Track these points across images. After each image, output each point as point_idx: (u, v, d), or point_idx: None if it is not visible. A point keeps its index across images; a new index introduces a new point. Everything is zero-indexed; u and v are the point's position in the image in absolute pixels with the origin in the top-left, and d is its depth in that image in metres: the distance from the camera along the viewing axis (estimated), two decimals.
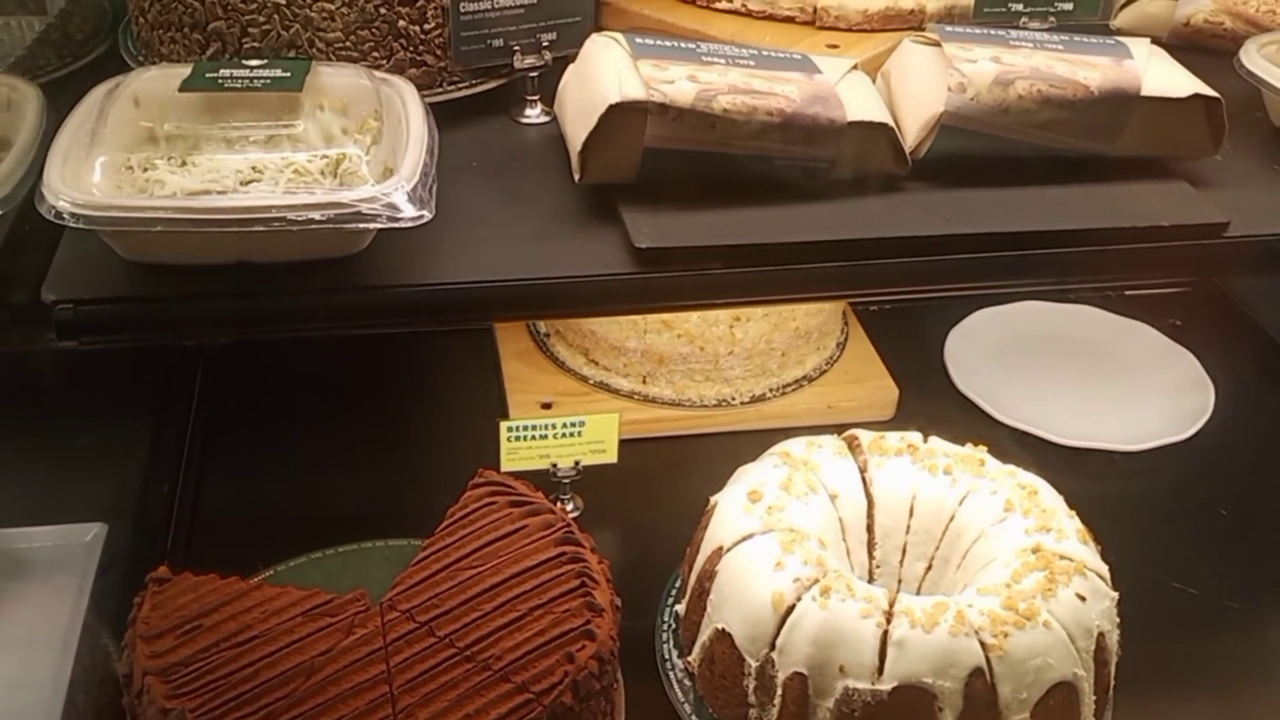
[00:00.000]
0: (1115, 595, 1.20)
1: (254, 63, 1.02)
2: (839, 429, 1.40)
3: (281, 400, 1.66)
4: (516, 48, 1.16)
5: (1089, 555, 1.21)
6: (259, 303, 0.95)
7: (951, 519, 1.28)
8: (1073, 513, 1.26)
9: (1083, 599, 1.15)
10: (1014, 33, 1.14)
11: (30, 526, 1.36)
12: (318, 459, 1.56)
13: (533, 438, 1.36)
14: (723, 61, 1.05)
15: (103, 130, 0.95)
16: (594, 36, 1.10)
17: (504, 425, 1.35)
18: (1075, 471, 1.51)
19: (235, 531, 1.45)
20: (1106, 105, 1.08)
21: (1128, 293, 1.89)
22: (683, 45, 1.07)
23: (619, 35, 1.08)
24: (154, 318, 0.94)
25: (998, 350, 1.78)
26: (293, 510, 1.49)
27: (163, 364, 1.65)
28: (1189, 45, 1.36)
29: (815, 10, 1.29)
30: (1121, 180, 1.10)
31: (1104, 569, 1.21)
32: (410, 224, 0.90)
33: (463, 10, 1.11)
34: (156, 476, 1.49)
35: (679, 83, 1.01)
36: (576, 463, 1.40)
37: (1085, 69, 1.08)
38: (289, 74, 1.01)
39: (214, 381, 1.67)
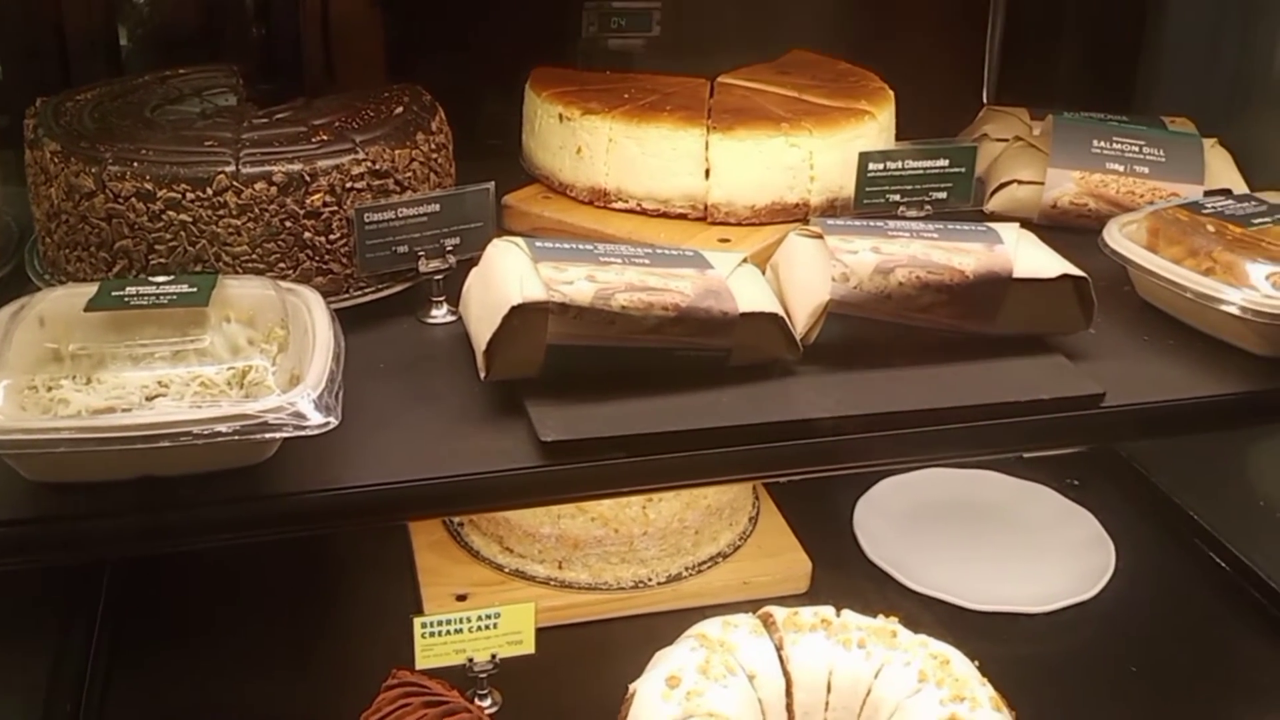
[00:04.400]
0: None
1: (160, 279, 1.04)
2: (755, 604, 1.41)
3: (190, 604, 1.63)
4: (421, 253, 1.20)
5: None
6: (165, 517, 0.94)
7: (868, 693, 1.29)
8: (985, 680, 1.28)
9: None
10: (892, 223, 1.21)
11: None
12: (228, 667, 1.52)
13: (447, 633, 1.35)
14: (619, 261, 1.10)
15: (7, 352, 0.96)
16: (495, 241, 1.14)
17: (418, 621, 1.34)
18: (985, 635, 1.54)
19: None
20: (982, 288, 1.14)
21: (1025, 455, 1.95)
22: (580, 247, 1.12)
23: (519, 240, 1.12)
24: (57, 538, 0.93)
25: (904, 518, 1.82)
26: None
27: (66, 576, 1.61)
28: (1057, 225, 1.45)
29: (706, 207, 1.36)
30: (1002, 357, 1.16)
31: None
32: (316, 431, 0.91)
33: (367, 220, 1.15)
34: (59, 696, 1.44)
35: (578, 283, 1.05)
36: (493, 656, 1.39)
37: (960, 255, 1.15)
38: (195, 289, 1.03)
39: (119, 588, 1.64)
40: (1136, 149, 1.48)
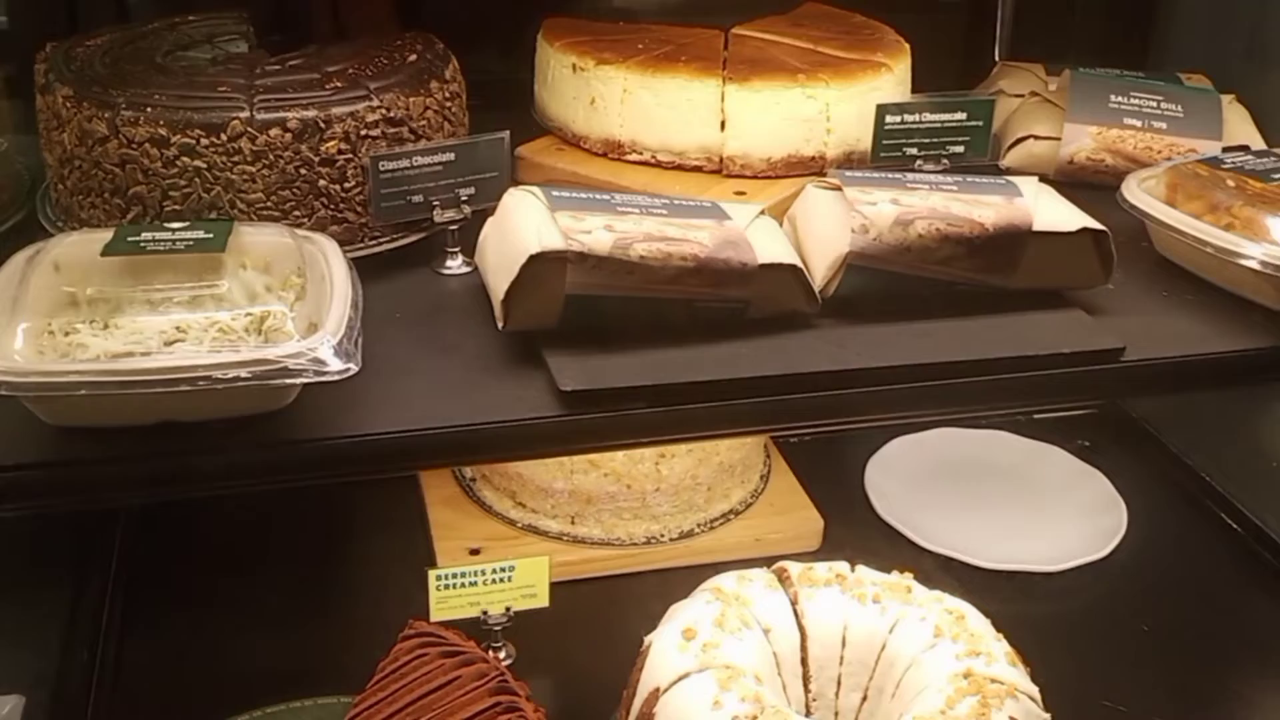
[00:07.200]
0: (1047, 717, 1.22)
1: (176, 225, 1.04)
2: (767, 561, 1.41)
3: (204, 557, 1.63)
4: (436, 203, 1.19)
5: (1019, 678, 1.22)
6: (185, 463, 0.94)
7: (883, 648, 1.29)
8: (1000, 636, 1.28)
9: None
10: (910, 175, 1.20)
11: None
12: (242, 616, 1.53)
13: (462, 585, 1.35)
14: (637, 211, 1.09)
15: (25, 297, 0.95)
16: (511, 190, 1.13)
17: (432, 574, 1.34)
18: (998, 594, 1.54)
19: (158, 695, 1.41)
20: (1001, 241, 1.13)
21: (1036, 416, 1.95)
22: (598, 196, 1.11)
23: (536, 189, 1.11)
24: (78, 482, 0.92)
25: (916, 477, 1.81)
26: (217, 671, 1.45)
27: (80, 525, 1.61)
28: (1074, 181, 1.43)
29: (722, 159, 1.34)
30: (1021, 310, 1.15)
31: (1035, 691, 1.23)
32: (336, 377, 0.91)
33: (382, 169, 1.14)
34: (76, 643, 1.45)
35: (596, 232, 1.04)
36: (508, 609, 1.39)
37: (979, 207, 1.14)
38: (211, 235, 1.03)
39: (134, 540, 1.64)
40: (1154, 104, 1.47)
